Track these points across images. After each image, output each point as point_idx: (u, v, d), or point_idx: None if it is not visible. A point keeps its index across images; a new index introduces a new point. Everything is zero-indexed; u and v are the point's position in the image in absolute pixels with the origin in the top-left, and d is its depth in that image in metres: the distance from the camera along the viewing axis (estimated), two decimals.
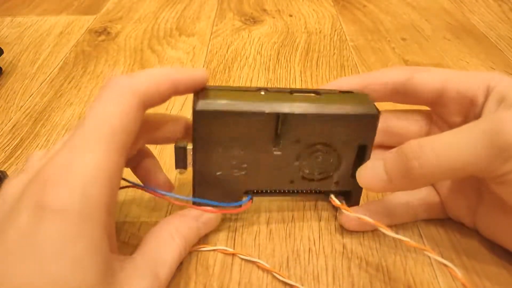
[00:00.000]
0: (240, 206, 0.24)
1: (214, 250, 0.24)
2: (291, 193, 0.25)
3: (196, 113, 0.20)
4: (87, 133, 0.17)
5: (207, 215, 0.23)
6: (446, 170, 0.19)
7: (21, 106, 0.38)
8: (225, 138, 0.21)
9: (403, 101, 0.25)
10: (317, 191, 0.25)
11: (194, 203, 0.23)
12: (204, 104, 0.20)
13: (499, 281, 0.22)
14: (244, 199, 0.24)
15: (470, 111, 0.22)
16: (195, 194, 0.23)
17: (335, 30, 0.49)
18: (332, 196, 0.24)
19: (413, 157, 0.19)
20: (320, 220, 0.26)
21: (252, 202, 0.24)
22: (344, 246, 0.24)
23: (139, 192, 0.26)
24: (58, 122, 0.35)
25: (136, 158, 0.24)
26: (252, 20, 0.52)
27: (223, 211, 0.24)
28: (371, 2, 0.56)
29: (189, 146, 0.22)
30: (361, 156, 0.23)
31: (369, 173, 0.22)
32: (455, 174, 0.20)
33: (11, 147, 0.33)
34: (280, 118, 0.21)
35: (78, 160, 0.16)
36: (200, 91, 0.21)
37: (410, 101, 0.25)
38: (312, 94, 0.22)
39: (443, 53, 0.44)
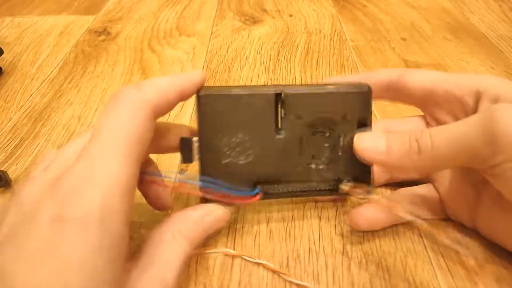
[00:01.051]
0: (250, 196, 0.22)
1: (216, 252, 0.24)
2: (303, 192, 0.24)
3: (200, 98, 0.21)
4: (104, 145, 0.17)
5: (213, 214, 0.22)
6: (442, 155, 0.20)
7: (21, 106, 0.38)
8: (229, 122, 0.22)
9: (396, 98, 0.26)
10: (328, 188, 0.24)
11: (201, 188, 0.22)
12: (207, 90, 0.22)
13: (500, 282, 0.22)
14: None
15: (460, 112, 0.23)
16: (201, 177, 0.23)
17: (335, 30, 0.49)
18: (344, 184, 0.24)
19: (414, 138, 0.21)
20: (320, 220, 0.26)
21: (260, 197, 0.23)
22: (344, 246, 0.24)
23: (139, 192, 0.26)
24: (58, 122, 0.35)
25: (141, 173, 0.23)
26: (252, 20, 0.52)
27: (231, 199, 0.22)
28: (371, 2, 0.56)
29: (195, 139, 0.22)
30: None
31: (369, 140, 0.22)
32: (451, 160, 0.20)
33: (11, 147, 0.33)
34: (279, 97, 0.22)
35: (97, 171, 0.16)
36: (201, 89, 0.22)
37: (402, 99, 0.26)
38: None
39: (443, 53, 0.44)
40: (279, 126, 0.23)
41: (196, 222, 0.22)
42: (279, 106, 0.22)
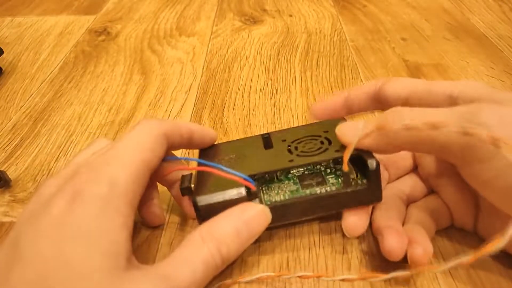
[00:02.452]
0: (246, 180, 0.21)
1: (257, 278, 0.22)
2: (312, 203, 0.22)
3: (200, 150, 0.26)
4: (121, 148, 0.20)
5: (248, 213, 0.20)
6: (416, 136, 0.19)
7: (21, 106, 0.38)
8: (224, 155, 0.25)
9: (382, 108, 0.25)
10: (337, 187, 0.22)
11: (199, 164, 0.23)
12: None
13: (500, 282, 0.22)
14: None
15: None
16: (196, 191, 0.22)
17: (335, 30, 0.49)
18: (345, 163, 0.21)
19: (390, 112, 0.20)
20: (320, 220, 0.26)
21: (255, 189, 0.21)
22: (344, 246, 0.24)
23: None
24: (58, 122, 0.35)
25: None
26: (252, 20, 0.52)
27: (228, 175, 0.21)
28: (371, 2, 0.56)
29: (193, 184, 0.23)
30: None
31: (349, 124, 0.22)
32: (425, 144, 0.20)
33: (11, 147, 0.33)
34: (265, 137, 0.25)
35: (111, 161, 0.19)
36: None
37: (386, 108, 0.25)
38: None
39: (443, 53, 0.44)
40: (268, 147, 0.25)
41: (228, 221, 0.20)
42: (267, 140, 0.25)
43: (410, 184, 0.26)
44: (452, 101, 0.21)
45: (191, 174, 0.23)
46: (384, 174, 0.26)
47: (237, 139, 0.27)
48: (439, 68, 0.41)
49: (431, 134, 0.19)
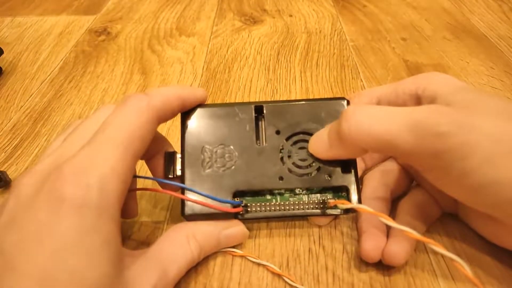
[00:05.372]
0: (234, 206, 0.22)
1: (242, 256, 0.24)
2: (286, 217, 0.23)
3: (183, 113, 0.23)
4: (108, 138, 0.18)
5: (232, 229, 0.23)
6: (370, 139, 0.20)
7: (21, 106, 0.38)
8: (211, 134, 0.23)
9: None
10: (315, 208, 0.23)
11: (182, 191, 0.22)
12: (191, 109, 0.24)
13: (500, 281, 0.22)
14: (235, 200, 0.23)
15: None
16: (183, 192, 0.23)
17: (335, 30, 0.49)
18: (329, 199, 0.23)
19: (345, 120, 0.20)
20: None
21: (241, 212, 0.23)
22: (344, 246, 0.24)
23: (139, 192, 0.26)
24: (58, 122, 0.35)
25: None
26: (252, 20, 0.52)
27: (214, 206, 0.22)
28: (371, 2, 0.56)
29: (178, 155, 0.23)
30: None
31: (316, 138, 0.23)
32: (379, 146, 0.20)
33: (11, 147, 0.33)
34: (259, 110, 0.24)
35: (97, 160, 0.17)
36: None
37: None
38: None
39: (443, 53, 0.44)
40: (260, 140, 0.24)
41: (212, 233, 0.22)
42: (260, 119, 0.24)
43: (393, 175, 0.26)
44: (417, 99, 0.22)
45: (175, 154, 0.23)
46: (360, 165, 0.26)
47: (224, 107, 0.24)
48: (439, 68, 0.41)
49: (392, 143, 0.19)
